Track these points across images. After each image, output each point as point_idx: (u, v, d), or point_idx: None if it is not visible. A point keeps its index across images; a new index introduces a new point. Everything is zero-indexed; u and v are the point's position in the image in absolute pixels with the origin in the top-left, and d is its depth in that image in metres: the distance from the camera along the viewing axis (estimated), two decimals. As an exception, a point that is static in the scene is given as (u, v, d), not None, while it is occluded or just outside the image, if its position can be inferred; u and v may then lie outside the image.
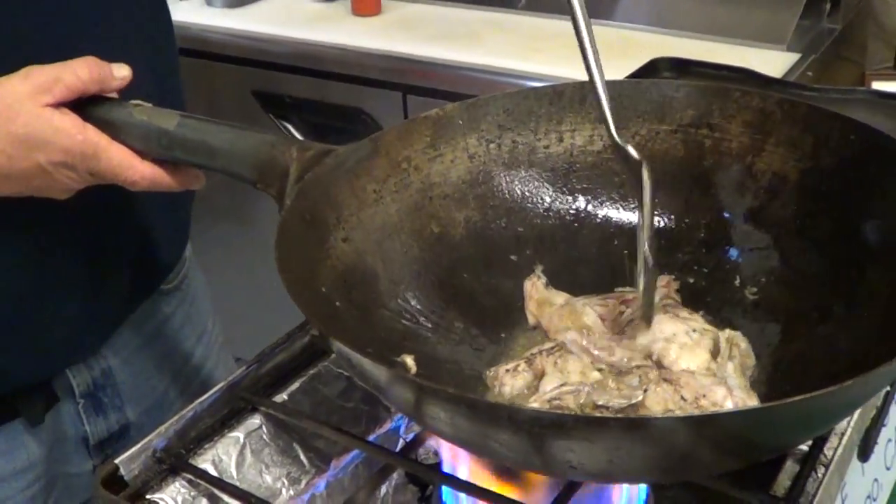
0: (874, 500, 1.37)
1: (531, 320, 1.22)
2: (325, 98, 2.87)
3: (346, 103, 2.82)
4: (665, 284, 1.23)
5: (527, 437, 0.89)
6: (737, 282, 1.23)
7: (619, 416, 0.97)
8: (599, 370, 1.13)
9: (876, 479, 1.37)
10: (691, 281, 1.25)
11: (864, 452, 1.23)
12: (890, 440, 1.41)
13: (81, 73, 1.18)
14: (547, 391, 1.08)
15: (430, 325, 1.19)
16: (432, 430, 0.99)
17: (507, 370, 1.11)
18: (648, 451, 0.89)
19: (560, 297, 1.21)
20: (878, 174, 1.14)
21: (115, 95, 1.23)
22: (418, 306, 1.19)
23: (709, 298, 1.23)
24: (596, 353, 1.13)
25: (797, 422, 0.92)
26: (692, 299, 1.22)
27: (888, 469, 1.42)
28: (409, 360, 1.12)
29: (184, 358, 1.66)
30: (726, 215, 1.25)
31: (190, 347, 1.67)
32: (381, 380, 0.95)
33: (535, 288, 1.22)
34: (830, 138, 1.19)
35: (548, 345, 1.15)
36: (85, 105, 1.20)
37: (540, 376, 1.11)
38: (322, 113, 2.90)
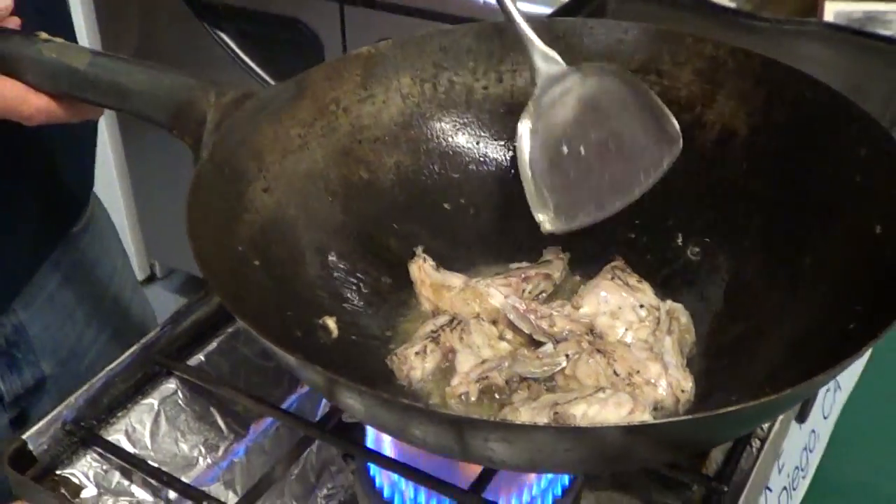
0: (811, 451, 1.34)
1: (427, 306, 1.15)
2: (260, 7, 2.76)
3: (282, 13, 2.72)
4: (556, 256, 1.18)
5: (445, 435, 0.84)
6: (679, 240, 1.17)
7: (543, 424, 0.91)
8: (504, 339, 1.09)
9: (813, 430, 1.34)
10: (631, 236, 1.19)
11: (803, 417, 1.20)
12: (828, 389, 1.37)
13: None
14: (468, 371, 1.03)
15: (354, 282, 1.12)
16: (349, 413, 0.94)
17: (417, 353, 1.05)
18: (571, 454, 0.85)
19: (456, 279, 1.14)
20: (830, 136, 1.08)
21: (13, 26, 1.14)
22: (342, 261, 1.13)
23: (649, 256, 1.17)
24: (536, 322, 1.07)
25: (728, 427, 0.89)
26: (631, 256, 1.16)
27: (825, 418, 1.39)
28: (331, 323, 1.06)
29: (97, 301, 1.58)
30: (672, 169, 1.19)
31: (102, 289, 1.59)
32: (292, 366, 0.88)
33: (424, 271, 1.15)
34: (784, 94, 1.12)
35: (442, 319, 1.10)
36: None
37: (447, 353, 1.06)
38: (257, 22, 2.80)
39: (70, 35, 1.39)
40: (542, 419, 0.94)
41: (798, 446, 1.27)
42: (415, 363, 1.05)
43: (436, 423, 0.83)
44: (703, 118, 1.18)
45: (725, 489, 1.00)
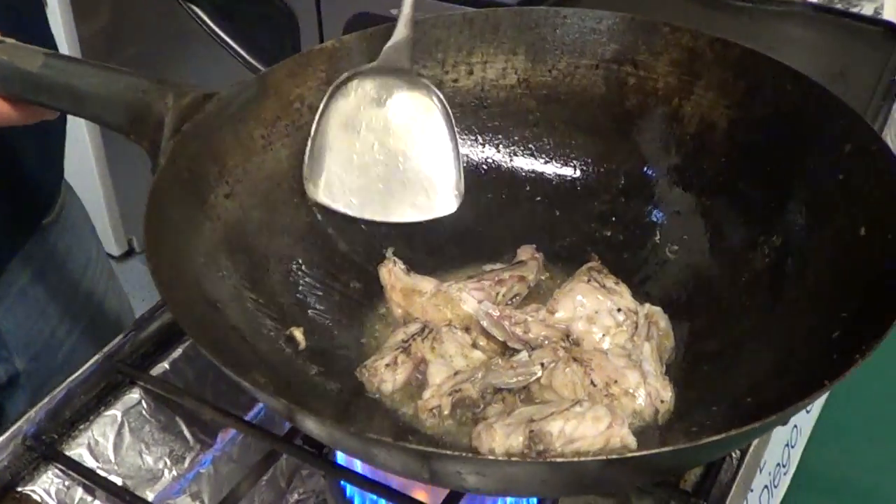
0: (792, 446, 1.30)
1: (397, 312, 1.10)
2: (233, -20, 2.71)
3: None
4: (530, 256, 1.14)
5: (415, 465, 0.81)
6: (657, 237, 1.14)
7: (516, 459, 0.87)
8: (477, 347, 1.05)
9: (795, 426, 1.31)
10: (608, 234, 1.16)
11: (785, 420, 1.17)
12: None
13: None
14: (440, 384, 0.99)
15: (321, 289, 1.09)
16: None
17: (387, 365, 1.01)
18: (546, 484, 0.83)
19: (427, 283, 1.11)
20: (813, 131, 1.04)
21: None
22: (309, 267, 1.09)
23: (626, 254, 1.14)
24: (510, 328, 1.04)
25: (707, 453, 0.88)
26: (608, 254, 1.12)
27: (808, 412, 1.36)
28: (298, 334, 1.02)
29: (70, 294, 1.53)
30: (648, 163, 1.16)
31: (75, 281, 1.54)
32: (253, 395, 0.85)
33: (395, 275, 1.11)
34: (765, 86, 1.09)
35: (413, 327, 1.05)
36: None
37: (418, 364, 1.02)
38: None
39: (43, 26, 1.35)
40: (518, 437, 0.90)
41: (780, 443, 1.24)
42: (385, 376, 1.01)
43: (405, 456, 0.80)
44: (681, 111, 1.14)
45: (703, 504, 0.97)
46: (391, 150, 1.11)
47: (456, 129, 1.12)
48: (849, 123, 1.01)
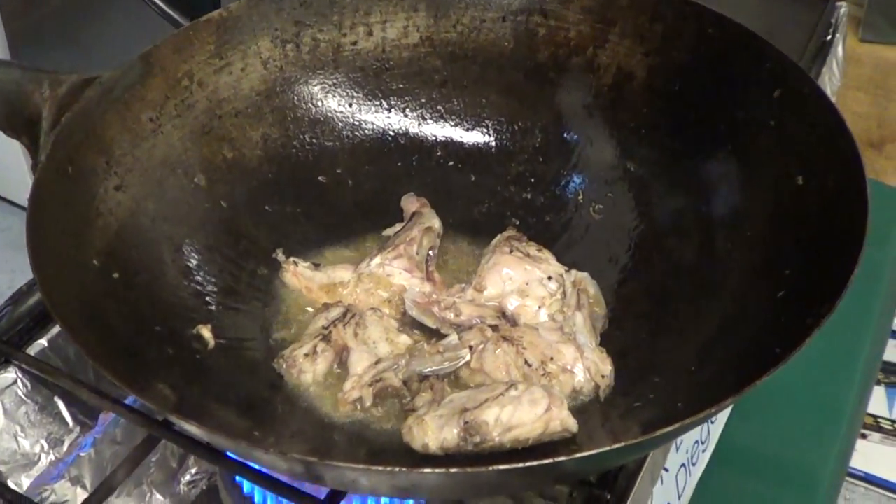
0: (712, 422, 1.24)
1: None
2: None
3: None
4: (420, 205, 1.08)
5: (306, 472, 0.76)
6: (579, 197, 1.08)
7: (408, 469, 0.78)
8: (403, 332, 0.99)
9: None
10: (528, 196, 1.10)
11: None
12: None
13: None
14: (362, 373, 0.92)
15: (226, 279, 1.01)
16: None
17: (306, 354, 0.94)
18: (446, 489, 0.80)
19: (343, 271, 1.04)
20: (738, 77, 0.99)
21: None
22: (212, 255, 1.02)
23: (548, 217, 1.08)
24: (440, 314, 0.97)
25: (646, 448, 0.84)
26: (529, 219, 1.08)
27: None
28: (206, 332, 0.95)
29: None
30: (565, 118, 1.10)
31: None
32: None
33: (303, 276, 1.03)
34: (684, 30, 1.03)
35: (335, 312, 0.98)
36: None
37: (340, 352, 0.95)
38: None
39: None
40: (452, 429, 0.84)
41: (690, 437, 1.18)
42: (304, 366, 0.94)
43: (291, 464, 0.74)
44: (596, 61, 1.09)
45: (608, 496, 0.91)
46: None
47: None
48: (777, 66, 0.97)
